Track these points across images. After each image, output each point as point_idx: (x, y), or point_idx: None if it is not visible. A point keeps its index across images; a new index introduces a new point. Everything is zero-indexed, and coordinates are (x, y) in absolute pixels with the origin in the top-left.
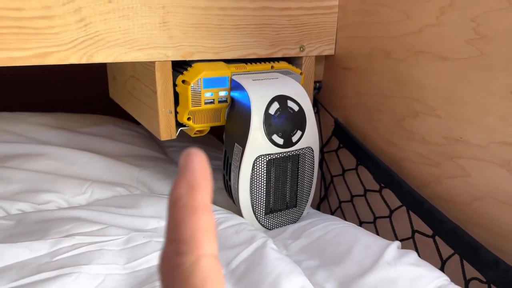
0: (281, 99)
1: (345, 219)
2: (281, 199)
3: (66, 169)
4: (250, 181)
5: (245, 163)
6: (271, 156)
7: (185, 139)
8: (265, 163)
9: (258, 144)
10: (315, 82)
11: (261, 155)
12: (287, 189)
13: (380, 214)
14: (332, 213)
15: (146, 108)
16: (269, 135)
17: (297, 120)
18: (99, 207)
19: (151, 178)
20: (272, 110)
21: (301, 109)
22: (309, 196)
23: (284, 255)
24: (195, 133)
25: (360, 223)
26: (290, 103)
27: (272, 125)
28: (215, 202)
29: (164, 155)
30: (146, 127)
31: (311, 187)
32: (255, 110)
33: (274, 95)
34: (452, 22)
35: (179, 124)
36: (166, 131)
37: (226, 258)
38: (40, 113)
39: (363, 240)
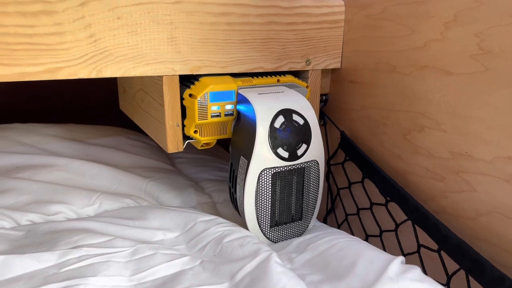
0: (286, 113)
1: (352, 233)
2: (287, 212)
3: (76, 181)
4: (256, 194)
5: (251, 176)
6: (277, 169)
7: (193, 151)
8: (270, 176)
9: (264, 157)
10: (322, 95)
11: (266, 168)
12: (293, 202)
13: (386, 227)
14: (339, 226)
15: (154, 121)
16: (274, 148)
17: (302, 134)
18: (106, 219)
19: (159, 190)
20: (277, 124)
21: (306, 122)
22: (314, 209)
23: (288, 268)
24: (202, 146)
25: (367, 237)
26: (295, 117)
27: (277, 139)
28: (221, 214)
29: (173, 166)
30: (154, 140)
31: (316, 200)
32: (261, 123)
33: (280, 109)
34: (456, 37)
35: (186, 137)
36: (173, 144)
37: (230, 271)
38: (52, 124)
39: (367, 255)
